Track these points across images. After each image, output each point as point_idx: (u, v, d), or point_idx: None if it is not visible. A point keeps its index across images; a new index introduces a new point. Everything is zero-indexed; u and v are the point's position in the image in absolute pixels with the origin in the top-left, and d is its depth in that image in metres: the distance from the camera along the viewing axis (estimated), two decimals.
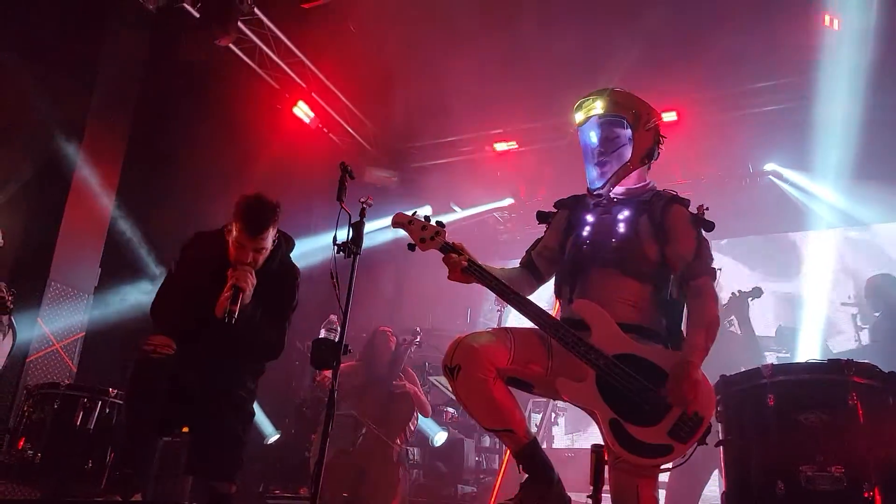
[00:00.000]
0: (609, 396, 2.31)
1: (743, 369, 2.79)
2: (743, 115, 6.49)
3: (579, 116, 2.75)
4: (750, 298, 4.92)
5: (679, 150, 6.92)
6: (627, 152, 2.65)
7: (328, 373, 4.69)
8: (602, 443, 2.20)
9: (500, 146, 7.74)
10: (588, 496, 1.99)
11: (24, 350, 5.16)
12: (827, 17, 5.05)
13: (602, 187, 2.66)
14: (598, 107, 2.69)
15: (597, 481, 1.98)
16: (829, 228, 6.29)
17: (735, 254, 7.32)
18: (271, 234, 3.21)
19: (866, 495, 2.32)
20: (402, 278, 8.59)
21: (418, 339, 5.13)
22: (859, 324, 5.60)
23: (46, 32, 5.63)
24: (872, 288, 5.02)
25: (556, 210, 2.86)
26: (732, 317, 4.88)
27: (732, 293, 4.99)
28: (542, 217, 2.89)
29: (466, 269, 2.49)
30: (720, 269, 4.91)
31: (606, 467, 2.13)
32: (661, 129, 2.79)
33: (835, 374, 2.56)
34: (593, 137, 2.68)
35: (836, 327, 6.49)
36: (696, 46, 5.74)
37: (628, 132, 2.65)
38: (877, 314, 4.92)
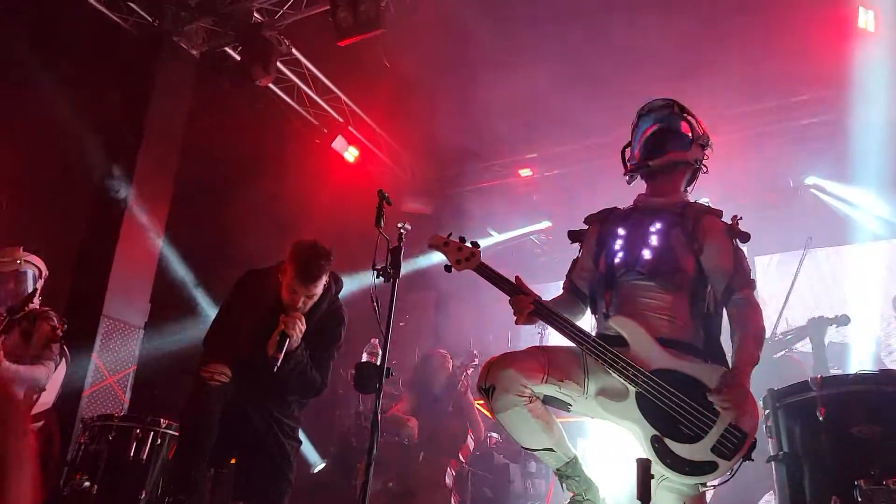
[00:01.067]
0: (650, 414, 2.29)
1: None
2: (781, 129, 6.42)
3: (643, 111, 2.75)
4: (834, 325, 4.61)
5: (717, 168, 6.86)
6: (682, 148, 2.67)
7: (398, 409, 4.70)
8: (647, 458, 2.17)
9: (525, 172, 7.81)
10: None
11: (80, 384, 5.34)
12: (862, 14, 4.96)
13: (652, 158, 2.63)
14: (669, 104, 2.71)
15: (644, 495, 1.96)
16: (876, 240, 6.11)
17: (783, 270, 7.16)
18: (323, 282, 3.33)
19: None
20: (442, 303, 8.63)
21: (476, 362, 5.12)
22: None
23: (97, 79, 5.93)
24: None
25: (586, 227, 2.86)
26: (789, 348, 4.68)
27: (813, 317, 4.70)
28: (573, 236, 2.88)
29: (533, 312, 2.49)
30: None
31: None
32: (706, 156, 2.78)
33: (887, 385, 2.49)
34: (654, 118, 2.69)
35: (889, 344, 6.26)
36: (728, 63, 5.73)
37: (688, 138, 2.67)
38: None
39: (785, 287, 4.94)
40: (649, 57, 5.74)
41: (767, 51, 5.42)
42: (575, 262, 2.85)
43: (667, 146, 2.64)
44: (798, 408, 2.60)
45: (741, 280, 2.48)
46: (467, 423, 4.79)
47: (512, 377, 2.34)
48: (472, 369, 5.05)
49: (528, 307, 2.47)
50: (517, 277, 2.57)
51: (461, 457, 4.70)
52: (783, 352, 4.73)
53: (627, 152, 2.78)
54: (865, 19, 5.08)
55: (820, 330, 4.52)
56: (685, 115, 2.69)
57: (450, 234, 2.67)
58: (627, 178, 2.76)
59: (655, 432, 2.26)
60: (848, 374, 3.15)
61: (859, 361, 4.78)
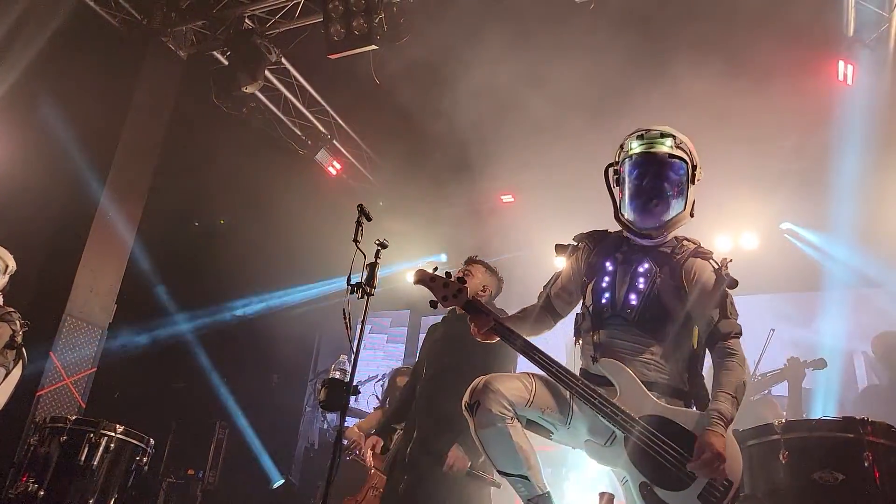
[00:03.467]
0: (638, 460, 2.27)
1: None
2: (759, 174, 6.53)
3: (639, 147, 2.55)
4: (811, 369, 4.65)
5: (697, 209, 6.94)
6: (681, 199, 2.53)
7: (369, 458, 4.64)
8: (611, 493, 2.15)
9: (506, 198, 7.85)
10: None
11: (34, 384, 5.18)
12: (841, 68, 5.08)
13: (656, 230, 2.53)
14: (667, 144, 2.52)
15: None
16: (845, 288, 6.23)
17: (753, 311, 7.24)
18: None
19: None
20: (416, 321, 8.59)
21: None
22: (875, 379, 5.49)
23: (79, 72, 5.85)
24: (880, 347, 4.92)
25: (574, 243, 2.77)
26: (768, 390, 4.70)
27: (792, 358, 4.72)
28: (560, 251, 2.80)
29: (493, 329, 2.50)
30: (773, 330, 4.75)
31: None
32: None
33: (850, 433, 2.50)
34: (650, 173, 2.51)
35: (855, 382, 6.33)
36: (712, 105, 5.83)
37: (683, 181, 2.53)
38: (887, 374, 4.82)
39: (758, 326, 5.00)
40: (629, 94, 5.81)
41: (751, 94, 5.52)
42: (556, 276, 2.78)
43: (668, 206, 2.52)
44: (762, 450, 2.60)
45: (727, 328, 2.42)
46: None
47: (498, 395, 2.33)
48: None
49: (489, 323, 2.49)
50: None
51: None
52: (761, 394, 4.76)
53: (612, 173, 2.63)
54: (845, 73, 5.20)
55: (797, 373, 4.56)
56: (682, 150, 2.56)
57: (435, 269, 2.62)
58: (616, 221, 2.64)
59: (644, 479, 2.24)
60: (811, 420, 3.18)
61: (827, 407, 4.83)
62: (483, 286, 3.85)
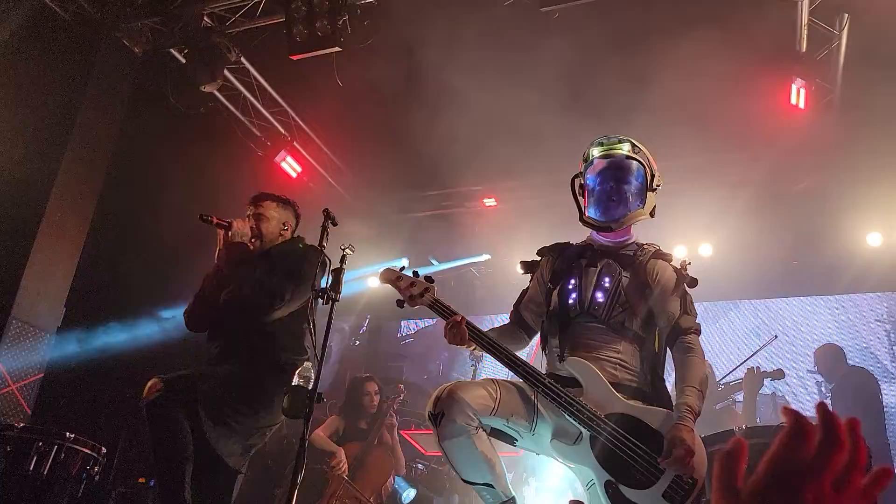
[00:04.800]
0: (604, 458, 2.30)
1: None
2: (710, 184, 6.70)
3: (597, 152, 2.68)
4: (769, 379, 4.80)
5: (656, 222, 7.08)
6: (638, 202, 2.66)
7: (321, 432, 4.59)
8: (580, 500, 2.17)
9: (469, 203, 7.90)
10: None
11: None
12: (794, 91, 5.25)
13: (612, 222, 2.62)
14: (623, 148, 2.65)
15: None
16: (786, 297, 6.48)
17: (710, 317, 7.43)
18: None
19: None
20: (376, 328, 8.53)
21: (402, 396, 5.06)
22: (823, 392, 5.70)
23: (29, 66, 5.63)
24: (820, 361, 5.13)
25: (539, 258, 2.85)
26: (731, 399, 4.81)
27: (751, 368, 4.86)
28: (526, 267, 2.88)
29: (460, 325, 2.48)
30: (775, 336, 4.81)
31: None
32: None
33: None
34: (609, 175, 2.64)
35: (802, 396, 6.56)
36: (667, 114, 5.97)
37: (642, 184, 2.66)
38: (832, 385, 5.01)
39: (715, 333, 5.14)
40: (594, 102, 5.90)
41: (705, 109, 5.67)
42: (524, 293, 2.84)
43: (627, 204, 2.64)
44: None
45: (686, 324, 2.53)
46: (392, 461, 4.72)
47: (462, 406, 2.32)
48: (397, 404, 4.98)
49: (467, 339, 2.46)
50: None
51: (382, 491, 4.61)
52: (725, 402, 4.88)
53: (577, 184, 2.76)
54: (797, 96, 5.38)
55: (755, 383, 4.70)
56: (640, 156, 2.68)
57: (402, 268, 2.63)
58: (581, 223, 2.75)
59: (609, 478, 2.27)
60: (772, 425, 3.26)
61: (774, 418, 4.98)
62: (283, 223, 3.57)
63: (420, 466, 5.64)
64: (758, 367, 4.80)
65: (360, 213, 8.17)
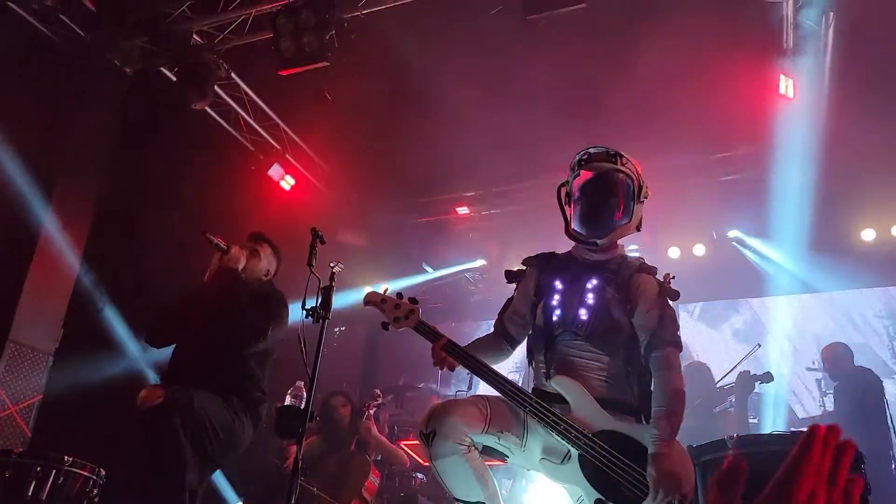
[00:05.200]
0: (593, 476, 2.30)
1: None
2: (706, 184, 6.71)
3: (586, 164, 2.67)
4: (759, 382, 4.84)
5: (646, 216, 7.10)
6: (624, 217, 2.64)
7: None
8: None
9: (462, 210, 7.88)
10: None
11: None
12: (782, 82, 5.25)
13: (599, 238, 2.62)
14: (612, 161, 2.63)
15: None
16: (785, 294, 6.47)
17: (706, 318, 7.44)
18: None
19: None
20: (373, 337, 8.54)
21: (379, 401, 5.08)
22: (823, 388, 5.69)
23: (20, 91, 5.65)
24: (828, 358, 5.13)
25: (524, 268, 2.85)
26: (728, 402, 4.83)
27: (741, 373, 4.90)
28: (510, 276, 2.87)
29: (445, 349, 2.48)
30: (759, 345, 4.83)
31: None
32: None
33: None
34: (595, 188, 2.62)
35: (800, 392, 6.57)
36: (658, 115, 5.98)
37: (628, 198, 2.64)
38: (836, 383, 5.01)
39: (707, 335, 5.15)
40: (580, 109, 5.92)
41: (694, 107, 5.67)
42: (508, 302, 2.84)
43: (613, 220, 2.63)
44: (715, 466, 2.66)
45: (664, 338, 2.50)
46: (368, 459, 4.72)
47: (454, 425, 2.33)
48: (374, 409, 5.01)
49: (441, 353, 2.47)
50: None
51: (365, 494, 4.61)
52: (723, 406, 4.90)
53: (563, 192, 2.74)
54: (786, 86, 5.38)
55: (746, 387, 4.71)
56: (626, 168, 2.66)
57: (386, 290, 2.63)
58: (567, 235, 2.74)
59: (599, 496, 2.28)
60: (763, 434, 3.26)
61: (774, 414, 4.99)
62: (267, 271, 3.71)
63: (420, 475, 5.64)
64: (748, 371, 4.82)
65: (356, 224, 8.19)
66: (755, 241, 6.79)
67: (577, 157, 2.71)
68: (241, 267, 3.48)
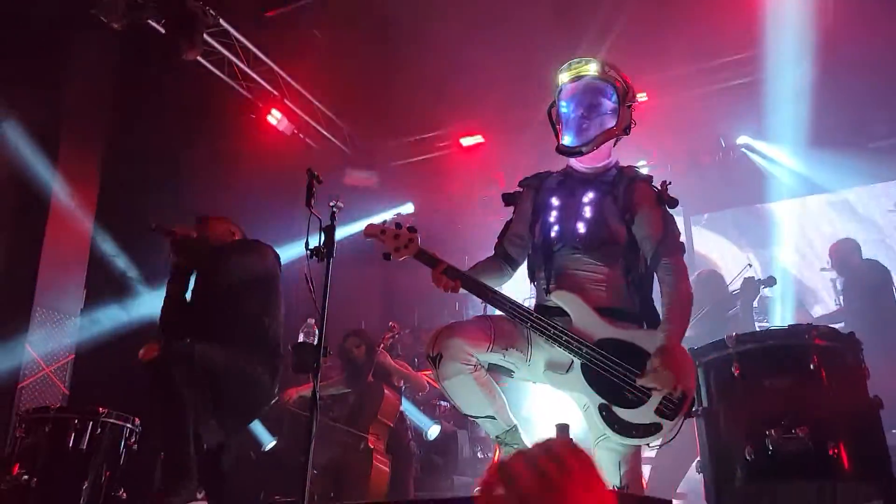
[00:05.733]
0: (596, 383, 2.37)
1: None
2: (711, 91, 6.56)
3: (566, 77, 2.68)
4: (764, 287, 4.91)
5: (652, 130, 6.99)
6: (610, 122, 2.64)
7: (292, 392, 4.83)
8: (565, 422, 2.26)
9: (467, 140, 7.81)
10: None
11: (14, 376, 5.20)
12: None
13: (583, 146, 2.62)
14: (591, 69, 2.64)
15: None
16: (795, 198, 6.41)
17: (717, 227, 7.42)
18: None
19: (831, 453, 2.39)
20: (388, 276, 8.64)
21: (393, 334, 5.23)
22: (838, 288, 5.71)
23: (9, 59, 5.63)
24: (834, 255, 5.13)
25: (520, 189, 2.87)
26: (737, 306, 4.88)
27: (746, 278, 4.96)
28: (507, 199, 2.90)
29: (446, 273, 2.51)
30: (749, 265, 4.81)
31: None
32: (635, 113, 2.77)
33: (797, 339, 2.63)
34: (579, 99, 2.65)
35: (817, 293, 6.59)
36: (660, 24, 5.81)
37: (613, 103, 2.64)
38: (842, 279, 5.02)
39: (717, 244, 5.17)
40: (579, 20, 5.76)
41: (690, 13, 5.50)
42: (508, 225, 2.87)
43: (598, 126, 2.63)
44: (716, 365, 2.72)
45: (669, 246, 2.55)
46: (383, 386, 4.89)
47: (459, 345, 2.39)
48: (389, 340, 5.16)
49: (440, 276, 2.50)
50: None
51: (383, 419, 4.80)
52: (734, 309, 4.96)
53: (554, 112, 2.76)
54: None
55: (751, 292, 4.76)
56: (609, 74, 2.65)
57: (385, 221, 2.66)
58: (557, 151, 2.74)
59: (603, 401, 2.35)
60: (759, 331, 3.31)
61: (783, 315, 5.04)
62: (231, 233, 3.89)
63: (443, 403, 5.83)
64: (752, 277, 4.86)
65: (361, 164, 8.18)
66: (764, 144, 6.67)
67: (559, 72, 2.72)
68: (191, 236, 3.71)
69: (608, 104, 2.65)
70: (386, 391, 4.82)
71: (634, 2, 5.66)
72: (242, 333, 3.53)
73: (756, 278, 4.87)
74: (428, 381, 5.32)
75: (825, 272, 6.04)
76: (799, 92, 5.49)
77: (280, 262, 3.85)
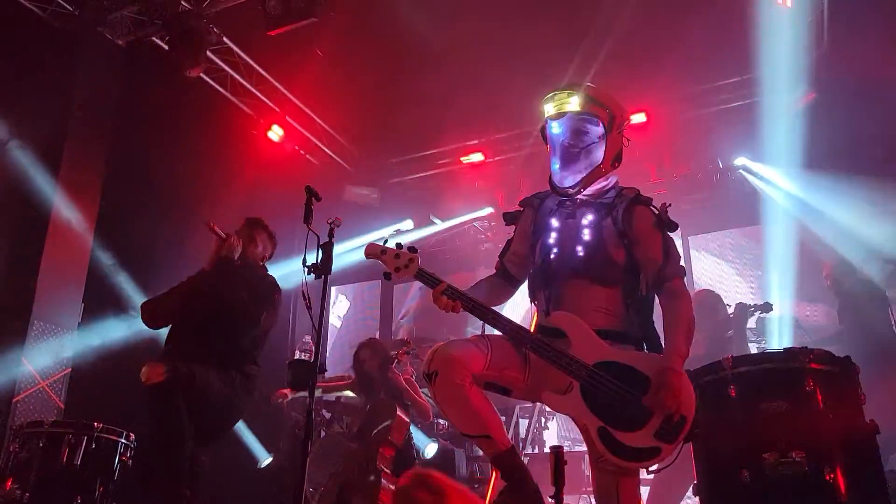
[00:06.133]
0: (594, 405, 2.35)
1: None
2: (710, 112, 6.61)
3: (550, 109, 2.67)
4: (759, 312, 4.93)
5: (651, 150, 7.03)
6: (598, 152, 2.62)
7: (285, 392, 4.83)
8: (560, 445, 2.24)
9: (470, 158, 7.85)
10: (550, 496, 2.04)
11: (10, 390, 5.18)
12: None
13: (572, 188, 2.63)
14: (573, 103, 2.62)
15: (557, 482, 2.03)
16: (789, 218, 6.41)
17: (711, 248, 7.42)
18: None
19: (828, 478, 2.38)
20: (388, 292, 8.65)
21: (407, 350, 5.20)
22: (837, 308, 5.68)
23: (17, 76, 5.69)
24: (828, 277, 5.12)
25: (521, 209, 2.86)
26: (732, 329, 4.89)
27: (740, 304, 4.97)
28: (508, 218, 2.90)
29: (446, 294, 2.50)
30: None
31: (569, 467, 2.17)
32: (628, 132, 2.77)
33: (793, 362, 2.62)
34: (564, 133, 2.64)
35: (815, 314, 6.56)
36: (661, 46, 5.86)
37: (601, 130, 2.63)
38: (839, 301, 5.02)
39: (715, 265, 5.18)
40: (583, 45, 5.82)
41: (690, 37, 5.56)
42: (508, 244, 2.87)
43: (582, 167, 2.63)
44: (712, 387, 2.71)
45: (671, 270, 2.53)
46: (396, 405, 4.84)
47: (455, 363, 2.38)
48: (404, 356, 5.12)
49: (442, 298, 2.50)
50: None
51: (393, 440, 4.74)
52: (731, 332, 4.95)
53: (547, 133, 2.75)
54: None
55: (742, 317, 4.77)
56: (592, 109, 2.63)
57: (385, 241, 2.65)
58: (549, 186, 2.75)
59: (601, 423, 2.33)
60: (755, 354, 3.30)
61: (780, 336, 5.03)
62: (263, 256, 3.94)
63: (441, 421, 5.79)
64: (744, 303, 4.91)
65: (362, 181, 8.22)
66: (761, 166, 6.69)
67: (543, 103, 2.70)
68: (237, 255, 3.69)
69: (595, 132, 2.64)
70: (399, 412, 4.77)
71: (636, 25, 5.72)
72: (235, 362, 3.58)
73: (750, 305, 4.88)
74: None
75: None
76: (794, 115, 5.52)
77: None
